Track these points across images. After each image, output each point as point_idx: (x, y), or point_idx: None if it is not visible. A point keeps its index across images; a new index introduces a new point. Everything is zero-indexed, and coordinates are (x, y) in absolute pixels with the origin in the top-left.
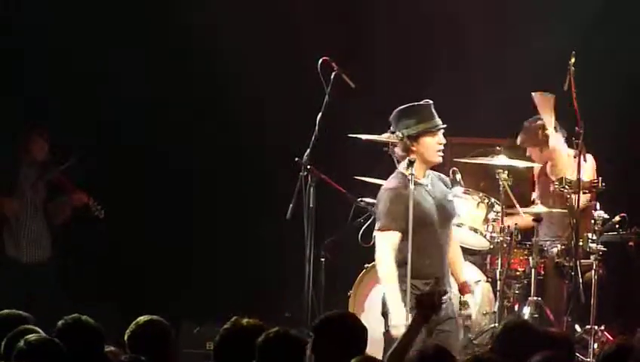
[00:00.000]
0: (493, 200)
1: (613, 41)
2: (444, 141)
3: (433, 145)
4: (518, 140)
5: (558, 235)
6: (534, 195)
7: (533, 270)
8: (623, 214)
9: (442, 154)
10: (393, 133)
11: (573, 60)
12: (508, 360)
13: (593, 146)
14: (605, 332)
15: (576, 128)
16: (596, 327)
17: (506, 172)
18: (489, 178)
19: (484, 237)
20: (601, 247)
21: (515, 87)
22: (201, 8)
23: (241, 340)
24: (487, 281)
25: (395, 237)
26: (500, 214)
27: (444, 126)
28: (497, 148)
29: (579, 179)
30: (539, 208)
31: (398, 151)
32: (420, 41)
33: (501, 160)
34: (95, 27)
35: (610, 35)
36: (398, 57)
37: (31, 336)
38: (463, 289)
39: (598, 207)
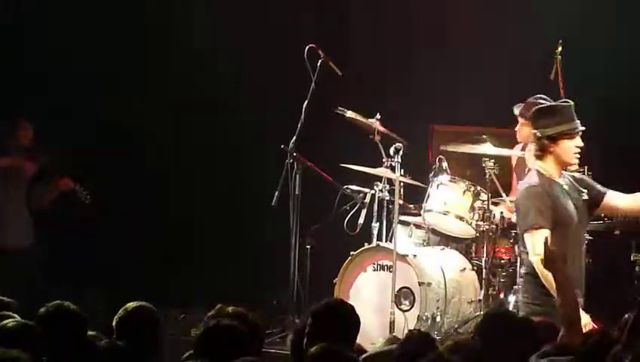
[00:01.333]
0: (479, 188)
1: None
2: (581, 144)
3: (571, 147)
4: (516, 110)
5: None
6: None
7: (518, 258)
8: None
9: (579, 156)
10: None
11: (560, 49)
12: (490, 348)
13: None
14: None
15: None
16: None
17: (492, 160)
18: (475, 166)
19: (470, 225)
20: (586, 236)
21: (502, 75)
22: (177, 6)
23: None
24: (473, 270)
25: (546, 234)
26: (486, 202)
27: (583, 128)
28: (483, 136)
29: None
30: None
31: (534, 149)
32: (407, 29)
33: (487, 148)
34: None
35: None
36: (384, 45)
37: (8, 322)
38: None
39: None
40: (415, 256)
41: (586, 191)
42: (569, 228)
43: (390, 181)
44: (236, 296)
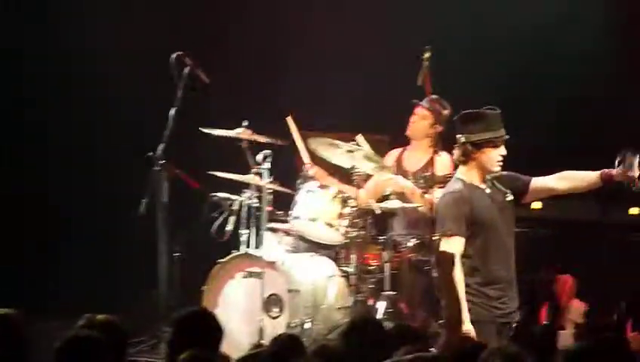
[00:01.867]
0: (347, 195)
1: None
2: (505, 152)
3: (495, 156)
4: (426, 103)
5: (412, 230)
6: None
7: (387, 264)
8: None
9: (502, 164)
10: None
11: (426, 55)
12: (352, 353)
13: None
14: None
15: None
16: None
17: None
18: (344, 172)
19: (339, 231)
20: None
21: (371, 83)
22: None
23: (95, 337)
24: (342, 276)
25: (460, 242)
26: (354, 209)
27: (508, 137)
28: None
29: (433, 174)
30: (394, 203)
31: (457, 154)
32: (275, 37)
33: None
34: None
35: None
36: (253, 52)
37: None
38: (608, 174)
39: None
40: (284, 262)
41: (509, 191)
42: (493, 233)
43: (259, 188)
44: (105, 305)
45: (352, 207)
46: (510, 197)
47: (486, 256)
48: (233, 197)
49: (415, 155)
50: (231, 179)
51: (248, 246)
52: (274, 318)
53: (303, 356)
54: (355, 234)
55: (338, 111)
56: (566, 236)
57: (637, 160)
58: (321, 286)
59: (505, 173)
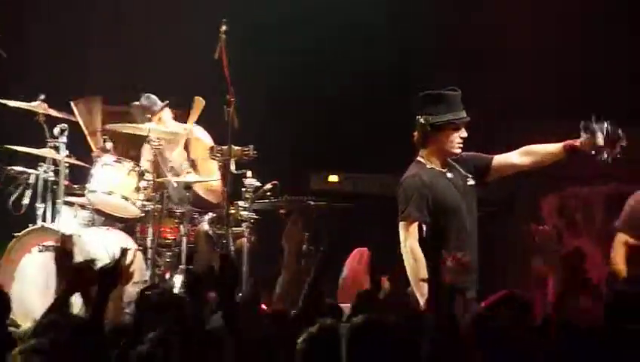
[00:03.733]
0: (144, 168)
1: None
2: (465, 135)
3: (455, 138)
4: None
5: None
6: (186, 163)
7: (184, 238)
8: (274, 182)
9: (462, 147)
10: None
11: (224, 28)
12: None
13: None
14: None
15: (227, 96)
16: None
17: (157, 140)
18: (141, 146)
19: (135, 205)
20: (252, 215)
21: (175, 60)
22: None
23: None
24: (139, 250)
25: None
26: (151, 182)
27: (468, 119)
28: (147, 116)
29: (230, 146)
30: (190, 177)
31: (416, 136)
32: (80, 14)
33: (152, 126)
34: None
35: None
36: (56, 28)
37: None
38: (571, 145)
39: (249, 174)
40: (80, 236)
41: (471, 175)
42: (454, 217)
43: (55, 161)
44: None
45: (149, 180)
46: (471, 182)
47: (447, 242)
48: (29, 170)
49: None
50: (27, 153)
51: (44, 220)
52: None
53: None
54: (151, 207)
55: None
56: (363, 209)
57: (601, 128)
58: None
59: (465, 153)
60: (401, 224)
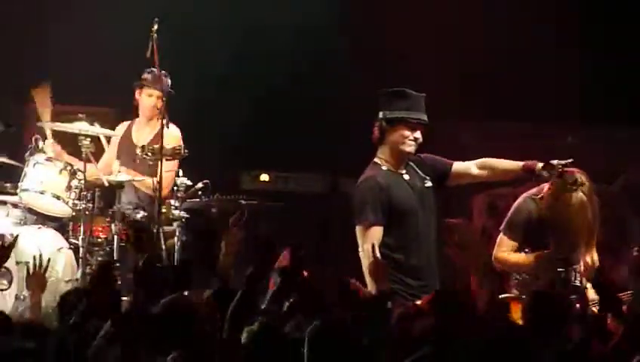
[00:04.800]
0: (76, 167)
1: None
2: (419, 136)
3: (407, 136)
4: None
5: (139, 202)
6: (117, 162)
7: (115, 237)
8: (205, 181)
9: (414, 146)
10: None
11: (155, 27)
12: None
13: (180, 114)
14: None
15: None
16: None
17: (89, 139)
18: (72, 145)
19: (67, 204)
20: (184, 214)
21: (112, 58)
22: None
23: None
24: (70, 248)
25: (379, 231)
26: (82, 181)
27: (424, 121)
28: (79, 115)
29: (162, 147)
30: (122, 176)
31: (375, 132)
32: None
33: (83, 127)
34: None
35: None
36: None
37: None
38: (530, 166)
39: (180, 173)
40: (12, 235)
41: (429, 177)
42: (411, 219)
43: None
44: None
45: (80, 179)
46: (429, 184)
47: (406, 245)
48: None
49: (144, 129)
50: None
51: None
52: (2, 291)
53: None
54: (83, 206)
55: (69, 84)
56: (294, 208)
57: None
58: (49, 259)
59: (427, 155)
60: (358, 228)
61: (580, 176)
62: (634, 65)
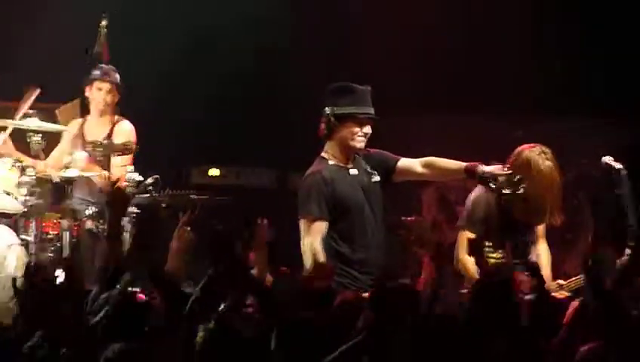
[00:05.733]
0: (25, 163)
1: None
2: (369, 131)
3: (356, 131)
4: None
5: (90, 198)
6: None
7: (66, 233)
8: (155, 176)
9: (364, 142)
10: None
11: (104, 23)
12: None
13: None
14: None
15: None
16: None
17: (39, 135)
18: (21, 141)
19: (17, 200)
20: (133, 209)
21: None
22: None
23: None
24: (22, 245)
25: (322, 225)
26: (33, 177)
27: (373, 116)
28: (30, 111)
29: (112, 142)
30: (73, 172)
31: (322, 127)
32: None
33: (33, 122)
34: None
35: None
36: None
37: None
38: (471, 168)
39: (131, 169)
40: None
41: (376, 171)
42: (356, 214)
43: None
44: None
45: (31, 175)
46: (376, 178)
47: (351, 239)
48: None
49: (97, 124)
50: None
51: None
52: None
53: None
54: (34, 202)
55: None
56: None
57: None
58: (0, 256)
59: (373, 150)
60: (302, 221)
61: (541, 146)
62: (584, 58)
